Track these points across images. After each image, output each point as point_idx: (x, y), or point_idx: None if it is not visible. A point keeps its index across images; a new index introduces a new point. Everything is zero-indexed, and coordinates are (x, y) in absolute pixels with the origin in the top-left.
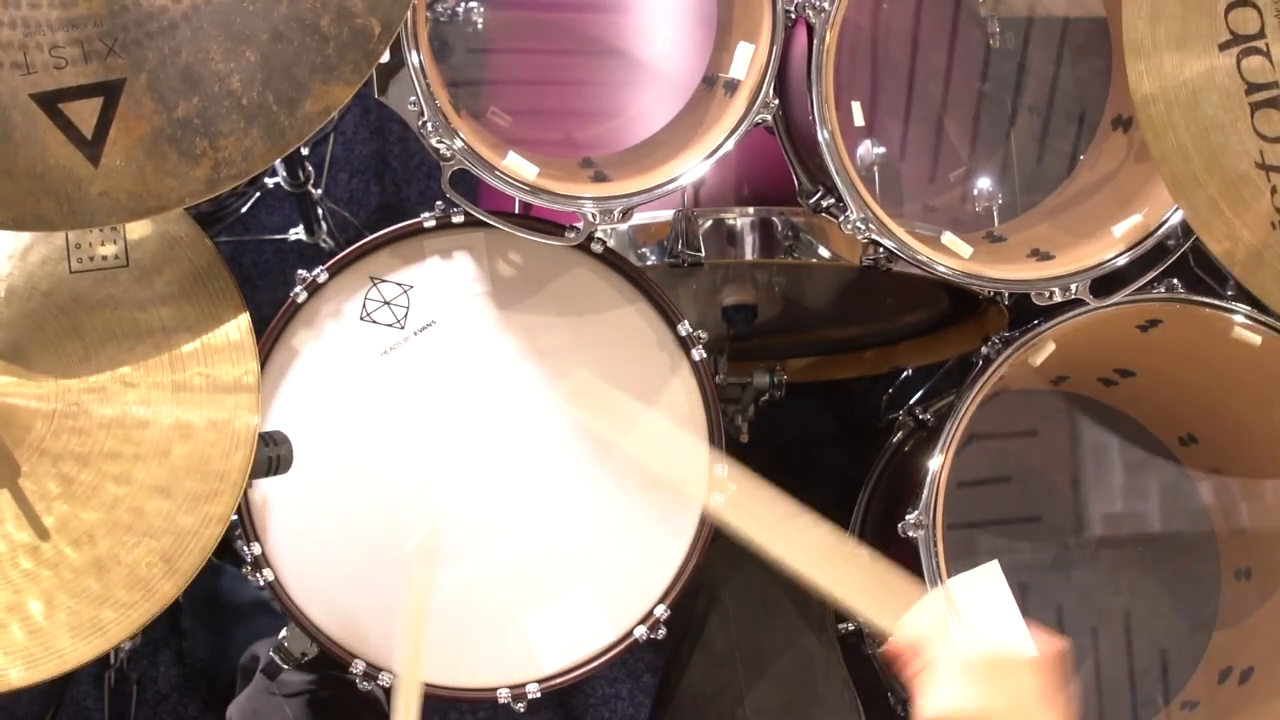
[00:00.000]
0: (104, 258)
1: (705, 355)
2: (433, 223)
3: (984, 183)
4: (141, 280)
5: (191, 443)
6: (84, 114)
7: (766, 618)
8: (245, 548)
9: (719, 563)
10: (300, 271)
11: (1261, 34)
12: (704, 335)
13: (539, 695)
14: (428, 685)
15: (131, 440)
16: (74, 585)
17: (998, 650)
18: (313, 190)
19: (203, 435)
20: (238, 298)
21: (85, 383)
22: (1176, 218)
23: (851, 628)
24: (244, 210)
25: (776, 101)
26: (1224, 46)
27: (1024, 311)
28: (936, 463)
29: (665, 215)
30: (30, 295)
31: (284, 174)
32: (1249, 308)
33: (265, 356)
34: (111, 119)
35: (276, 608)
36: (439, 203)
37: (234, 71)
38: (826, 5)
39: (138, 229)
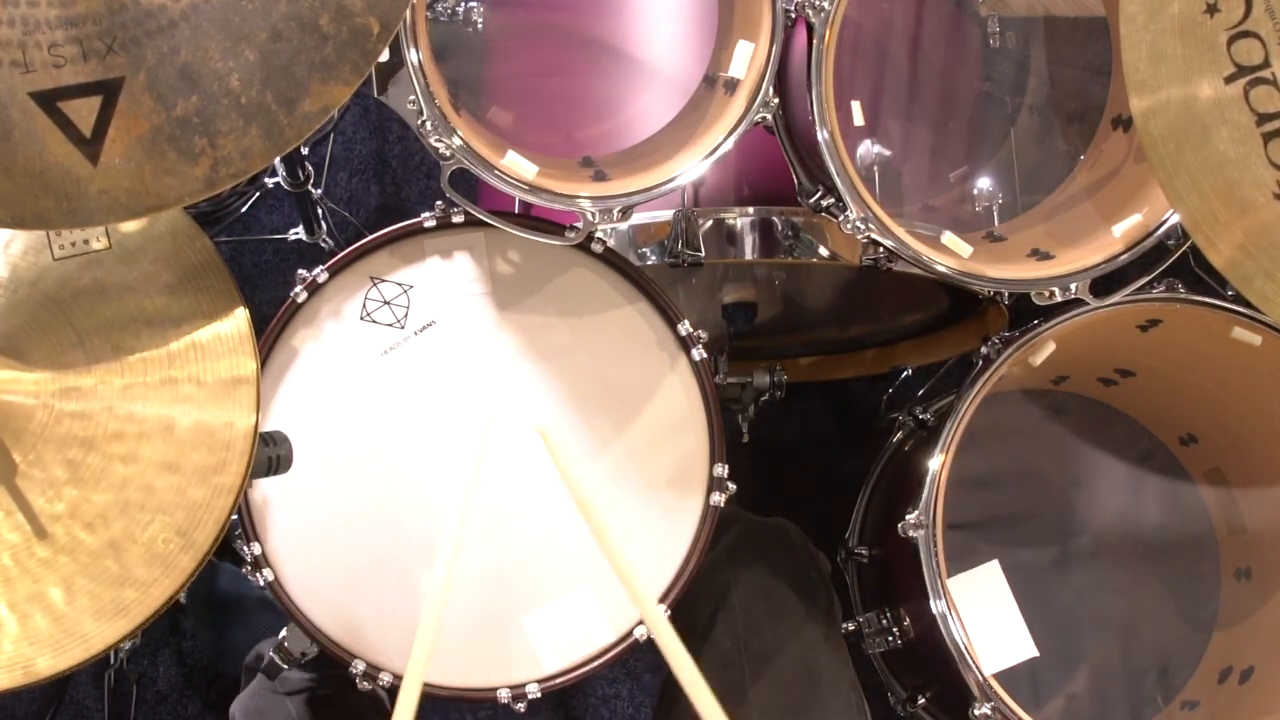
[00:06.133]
0: (86, 241)
1: (705, 355)
2: (433, 222)
3: (984, 183)
4: (127, 261)
5: (195, 416)
6: (83, 112)
7: (773, 619)
8: (245, 548)
9: (727, 563)
10: (300, 271)
11: (1266, 63)
12: (704, 335)
13: (539, 695)
14: (428, 685)
15: (135, 419)
16: (92, 568)
17: None
18: (313, 190)
19: (205, 409)
20: (235, 293)
21: (82, 368)
22: (1176, 218)
23: (851, 627)
24: (244, 210)
25: (776, 100)
26: (1230, 79)
27: (1024, 311)
28: (936, 463)
29: (665, 215)
30: (16, 287)
31: (284, 174)
32: (1249, 308)
33: (265, 356)
34: (110, 118)
35: (276, 607)
36: (439, 202)
37: (233, 70)
38: (826, 4)
39: None
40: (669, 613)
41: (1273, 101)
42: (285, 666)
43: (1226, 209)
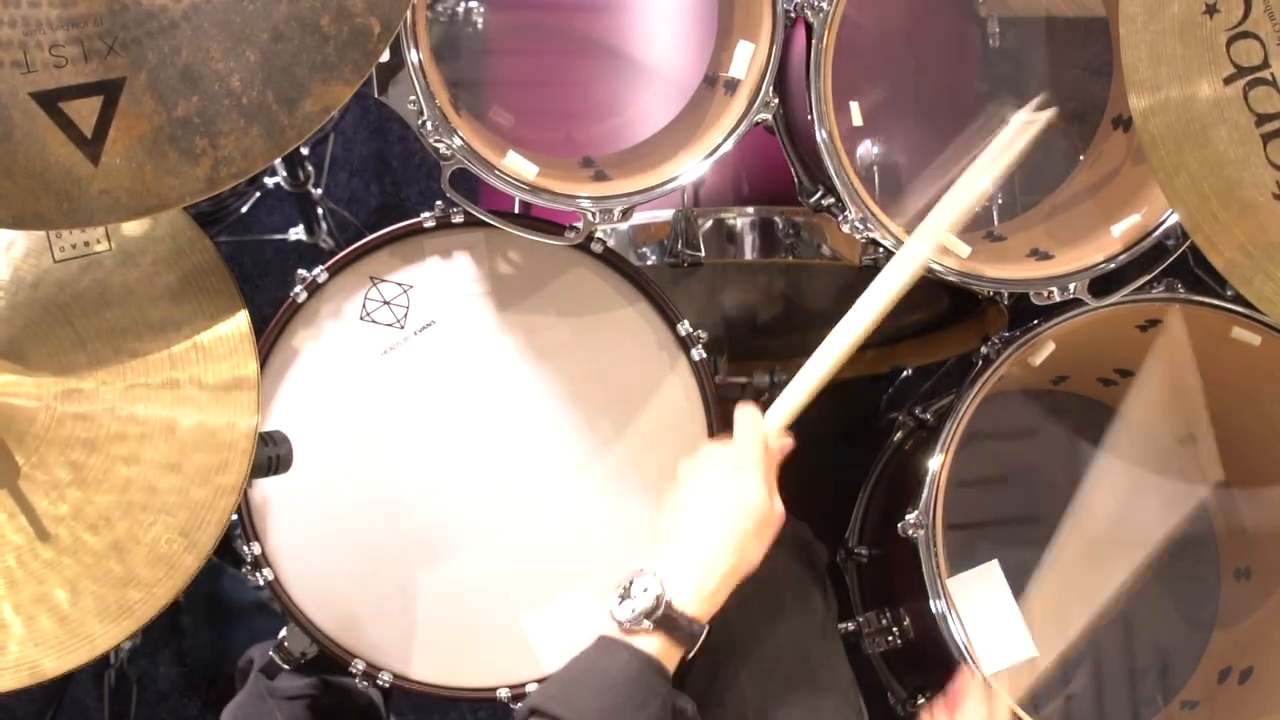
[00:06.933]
0: (86, 243)
1: (705, 355)
2: (433, 222)
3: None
4: (128, 262)
5: (196, 417)
6: (84, 113)
7: (768, 619)
8: (245, 547)
9: None
10: (300, 271)
11: (1266, 64)
12: (704, 335)
13: None
14: (428, 685)
15: (136, 420)
16: (96, 569)
17: None
18: (313, 190)
19: (206, 409)
20: (235, 294)
21: (83, 370)
22: (1175, 218)
23: (851, 627)
24: (244, 210)
25: (776, 101)
26: (1229, 80)
27: (1024, 311)
28: (936, 463)
29: (665, 215)
30: (17, 289)
31: (284, 174)
32: (1248, 308)
33: (265, 356)
34: (111, 118)
35: (276, 607)
36: (439, 202)
37: (234, 71)
38: (825, 5)
39: None
40: None
41: (1272, 102)
42: (285, 666)
43: (1226, 209)
